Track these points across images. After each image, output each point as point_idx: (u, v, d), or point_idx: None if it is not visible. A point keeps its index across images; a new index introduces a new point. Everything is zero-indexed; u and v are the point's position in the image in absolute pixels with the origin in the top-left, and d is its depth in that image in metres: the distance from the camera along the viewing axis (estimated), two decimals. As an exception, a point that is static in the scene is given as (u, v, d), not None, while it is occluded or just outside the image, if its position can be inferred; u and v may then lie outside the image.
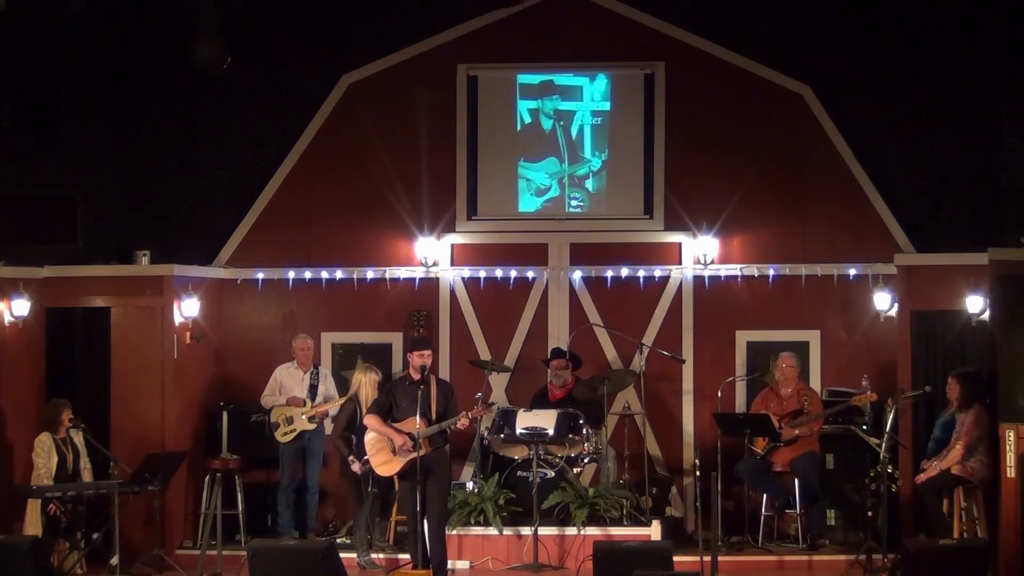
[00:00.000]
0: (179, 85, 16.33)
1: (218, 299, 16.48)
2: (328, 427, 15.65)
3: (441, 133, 16.58)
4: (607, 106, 16.56)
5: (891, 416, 14.45)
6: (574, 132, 16.60)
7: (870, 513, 14.37)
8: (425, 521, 13.56)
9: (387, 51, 16.57)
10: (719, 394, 15.41)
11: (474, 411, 13.72)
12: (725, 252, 16.31)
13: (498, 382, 16.28)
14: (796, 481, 15.04)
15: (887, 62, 16.12)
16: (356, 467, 14.80)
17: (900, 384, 15.01)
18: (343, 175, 16.63)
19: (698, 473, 14.62)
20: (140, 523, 15.12)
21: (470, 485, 15.15)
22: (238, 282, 16.57)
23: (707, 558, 13.52)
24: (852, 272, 16.04)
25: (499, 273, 16.45)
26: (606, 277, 16.35)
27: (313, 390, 15.60)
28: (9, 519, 14.72)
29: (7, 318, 15.19)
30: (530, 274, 16.40)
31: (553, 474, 15.01)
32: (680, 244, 16.37)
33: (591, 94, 16.59)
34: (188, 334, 15.87)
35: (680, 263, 16.35)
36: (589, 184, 16.59)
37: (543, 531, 14.67)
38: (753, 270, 16.24)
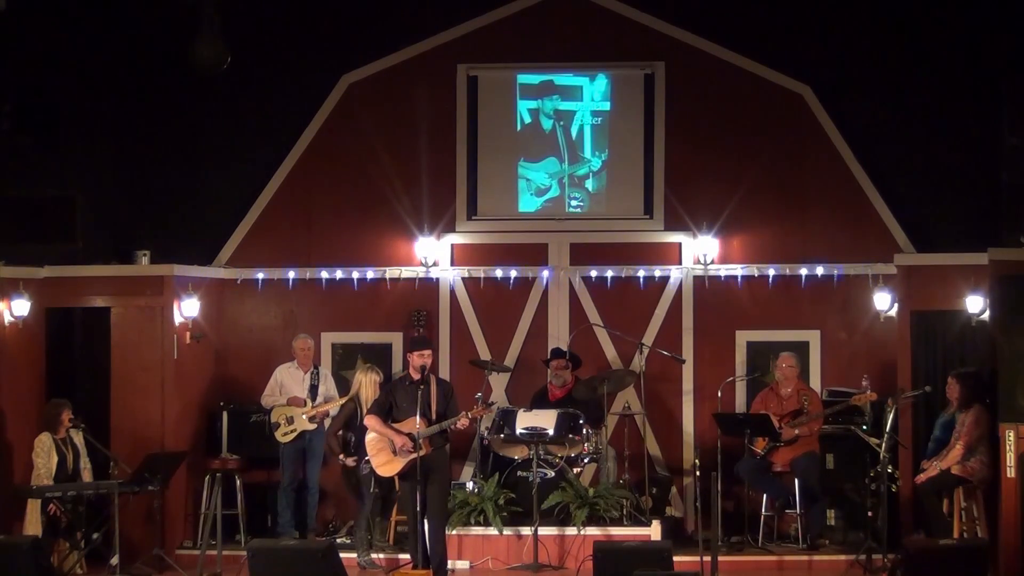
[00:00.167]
0: (179, 85, 16.33)
1: (218, 299, 16.48)
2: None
3: (441, 133, 16.58)
4: (607, 106, 16.57)
5: (891, 416, 14.46)
6: (574, 132, 16.60)
7: (870, 513, 14.38)
8: (425, 521, 13.56)
9: (387, 51, 16.57)
10: (719, 394, 15.41)
11: (474, 411, 13.72)
12: (725, 252, 16.31)
13: (498, 382, 16.27)
14: (796, 481, 15.04)
15: (887, 62, 16.12)
16: (350, 462, 14.84)
17: (900, 384, 15.01)
18: (343, 175, 16.63)
19: (698, 473, 14.62)
20: (140, 523, 15.13)
21: (470, 485, 15.15)
22: (238, 282, 16.57)
23: (707, 558, 13.52)
24: (852, 272, 16.04)
25: (499, 273, 16.45)
26: (606, 277, 16.35)
27: (313, 390, 15.60)
28: (9, 519, 14.72)
29: (7, 318, 15.19)
30: (530, 274, 16.40)
31: (553, 474, 15.01)
32: (680, 244, 16.37)
33: (591, 94, 16.59)
34: (188, 334, 15.87)
35: (680, 263, 16.35)
36: (589, 184, 16.59)
37: (543, 531, 14.67)
38: (753, 270, 16.24)
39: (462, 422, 13.56)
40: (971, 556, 12.44)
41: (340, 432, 15.20)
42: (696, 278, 16.31)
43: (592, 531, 14.66)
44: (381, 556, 14.89)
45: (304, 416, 15.42)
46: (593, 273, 16.36)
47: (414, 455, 13.42)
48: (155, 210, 16.70)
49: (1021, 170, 15.25)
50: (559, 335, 16.29)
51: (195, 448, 15.82)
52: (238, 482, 15.61)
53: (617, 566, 12.21)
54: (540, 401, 15.75)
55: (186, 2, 14.86)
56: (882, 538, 14.11)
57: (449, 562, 13.99)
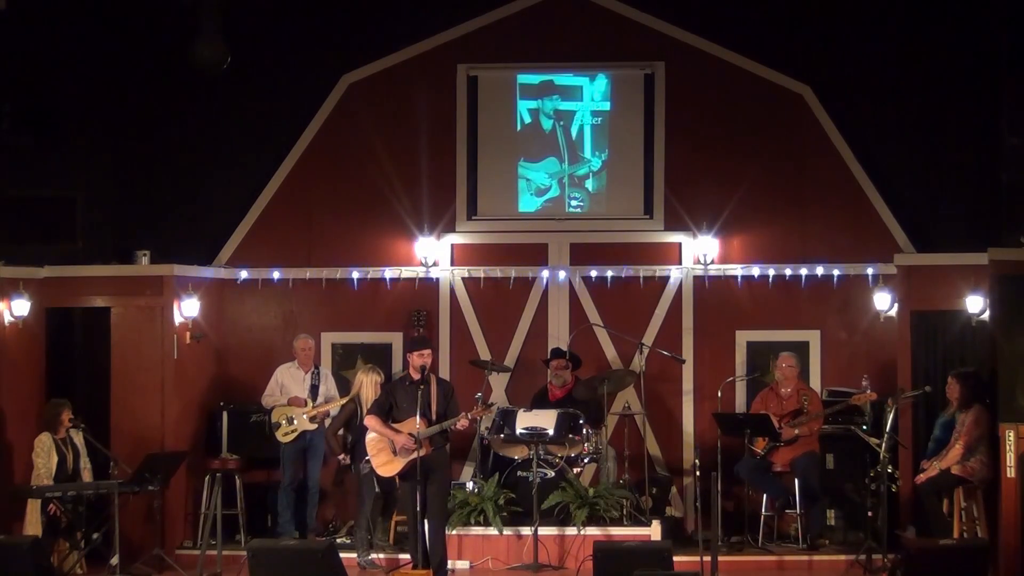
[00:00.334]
0: (179, 85, 16.33)
1: (218, 299, 16.48)
2: (329, 427, 15.71)
3: (441, 133, 16.58)
4: (607, 106, 16.57)
5: (891, 416, 14.46)
6: (574, 132, 16.60)
7: (870, 513, 14.37)
8: (425, 521, 13.56)
9: (387, 51, 16.57)
10: (719, 394, 15.41)
11: (474, 411, 13.72)
12: (725, 252, 16.31)
13: (498, 382, 16.28)
14: (796, 481, 15.04)
15: (887, 62, 16.12)
16: (345, 459, 14.87)
17: (900, 384, 15.00)
18: (343, 175, 16.63)
19: (698, 473, 14.61)
20: (140, 523, 15.13)
21: (470, 485, 15.15)
22: (238, 282, 16.57)
23: (707, 558, 13.52)
24: (852, 272, 16.04)
25: (499, 273, 16.45)
26: (606, 277, 16.35)
27: (314, 390, 15.60)
28: (9, 519, 14.71)
29: (7, 318, 15.19)
30: (530, 274, 16.40)
31: (553, 474, 15.01)
32: (680, 244, 16.37)
33: (591, 94, 16.59)
34: (188, 334, 15.86)
35: (680, 263, 16.35)
36: (589, 184, 16.59)
37: (543, 531, 14.67)
38: (753, 270, 16.24)
39: (462, 423, 13.56)
40: (971, 556, 12.44)
41: (340, 432, 15.21)
42: (696, 278, 16.31)
43: (592, 531, 14.66)
44: (381, 556, 14.90)
45: (305, 416, 15.42)
46: (593, 273, 16.36)
47: (414, 455, 13.42)
48: (155, 210, 16.70)
49: (1021, 170, 15.25)
50: (559, 335, 16.29)
51: (195, 448, 15.81)
52: (238, 482, 15.60)
53: (617, 566, 12.21)
54: (540, 401, 15.75)
55: (186, 2, 14.86)
56: (882, 538, 14.11)
57: (449, 562, 14.00)
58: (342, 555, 12.83)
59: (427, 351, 13.72)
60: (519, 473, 15.06)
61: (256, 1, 16.21)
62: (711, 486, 13.40)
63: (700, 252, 16.24)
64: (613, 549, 12.83)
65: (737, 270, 16.25)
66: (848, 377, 15.57)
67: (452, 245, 16.53)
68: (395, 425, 13.58)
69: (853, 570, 14.31)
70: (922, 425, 15.14)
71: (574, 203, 16.60)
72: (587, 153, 16.58)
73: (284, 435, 15.41)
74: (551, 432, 14.99)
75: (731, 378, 15.86)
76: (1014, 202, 15.25)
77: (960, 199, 16.01)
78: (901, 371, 15.22)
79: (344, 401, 15.31)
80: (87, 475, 14.72)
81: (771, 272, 16.19)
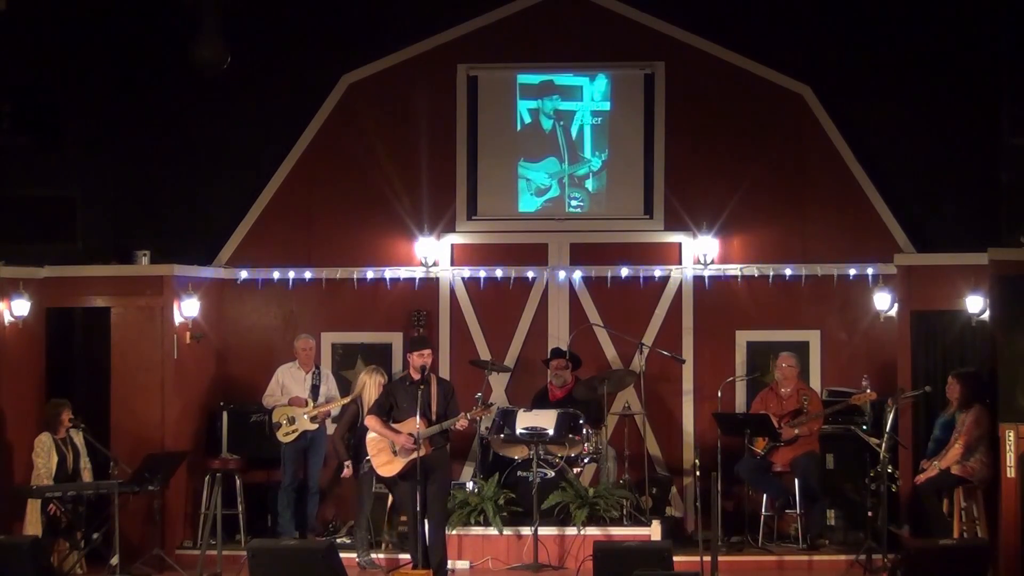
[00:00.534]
0: (179, 85, 16.33)
1: (218, 299, 16.48)
2: (330, 427, 15.67)
3: (441, 133, 16.58)
4: (607, 106, 16.57)
5: (891, 416, 14.45)
6: (574, 132, 16.60)
7: (870, 513, 14.37)
8: (425, 521, 13.56)
9: (387, 51, 16.57)
10: (719, 394, 15.41)
11: (473, 412, 13.71)
12: (725, 252, 16.31)
13: (498, 382, 16.28)
14: (796, 481, 15.04)
15: (887, 62, 16.12)
16: (347, 472, 14.83)
17: (900, 384, 15.00)
18: (343, 175, 16.63)
19: (698, 473, 14.60)
20: (140, 523, 15.12)
21: (470, 485, 15.15)
22: (238, 282, 16.57)
23: (707, 558, 13.52)
24: (852, 272, 16.04)
25: (499, 273, 16.45)
26: (606, 277, 16.35)
27: (315, 390, 15.60)
28: (9, 519, 14.71)
29: (7, 318, 15.19)
30: (530, 274, 16.40)
31: (553, 474, 15.01)
32: (680, 244, 16.37)
33: (591, 94, 16.59)
34: (188, 334, 15.87)
35: (680, 263, 16.35)
36: (589, 184, 16.59)
37: (543, 531, 14.68)
38: (753, 270, 16.24)
39: (461, 423, 13.55)
40: (971, 556, 12.44)
41: (345, 435, 15.14)
42: (696, 278, 16.31)
43: (592, 531, 14.67)
44: (381, 556, 14.90)
45: (306, 416, 15.42)
46: (593, 273, 16.36)
47: (414, 455, 13.42)
48: (155, 210, 16.71)
49: (1021, 170, 15.25)
50: (559, 335, 16.29)
51: (195, 448, 15.81)
52: (238, 482, 15.60)
53: (617, 566, 12.21)
54: (540, 401, 15.75)
55: (186, 2, 14.86)
56: (882, 538, 14.11)
57: (449, 562, 14.00)
58: (342, 555, 12.84)
59: (427, 351, 13.72)
60: (519, 473, 15.06)
61: (256, 1, 16.20)
62: (711, 486, 13.40)
63: (700, 252, 16.24)
64: (613, 549, 12.83)
65: (737, 270, 16.25)
66: (848, 377, 15.57)
67: (452, 245, 16.53)
68: (395, 425, 13.58)
69: (853, 570, 14.31)
70: (922, 425, 15.14)
71: (574, 203, 16.60)
72: (587, 153, 16.58)
73: (285, 435, 15.41)
74: (551, 432, 14.99)
75: (731, 378, 15.85)
76: (1014, 202, 15.25)
77: (960, 199, 16.01)
78: (901, 371, 15.22)
79: (345, 401, 15.31)
80: (87, 475, 14.73)
81: (771, 272, 16.19)
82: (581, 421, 15.18)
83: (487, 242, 16.54)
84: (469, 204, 16.59)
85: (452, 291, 16.50)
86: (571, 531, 14.75)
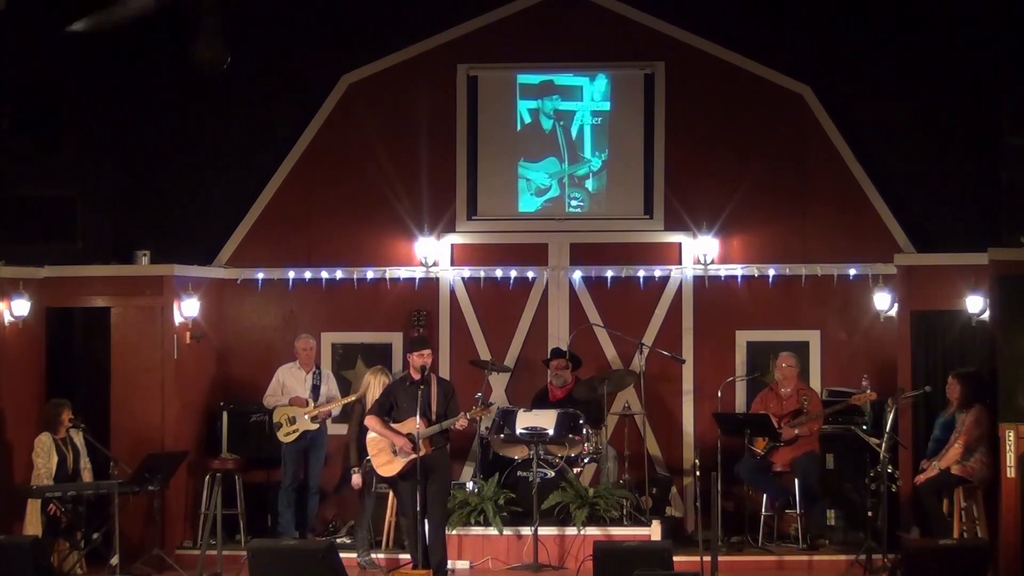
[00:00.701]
0: (179, 85, 16.34)
1: (218, 299, 16.48)
2: (331, 427, 15.68)
3: (441, 133, 16.58)
4: (607, 106, 16.57)
5: (891, 416, 14.45)
6: (574, 132, 16.60)
7: (870, 513, 14.37)
8: (425, 521, 13.56)
9: (387, 51, 16.57)
10: (719, 394, 15.41)
11: (472, 412, 13.71)
12: (725, 252, 16.31)
13: (498, 382, 16.28)
14: (796, 481, 15.04)
15: (887, 62, 16.12)
16: (356, 480, 14.73)
17: (900, 384, 15.00)
18: (343, 175, 16.63)
19: (698, 473, 14.60)
20: (140, 523, 15.12)
21: (470, 485, 15.15)
22: (238, 282, 16.57)
23: (707, 558, 13.52)
24: (852, 272, 16.04)
25: (499, 273, 16.45)
26: (606, 277, 16.35)
27: (315, 390, 15.60)
28: (9, 519, 14.71)
29: (7, 318, 15.18)
30: (530, 274, 16.40)
31: (553, 474, 15.01)
32: (680, 244, 16.37)
33: (591, 94, 16.59)
34: (188, 334, 15.87)
35: (680, 263, 16.35)
36: (589, 184, 16.59)
37: (543, 531, 14.67)
38: (753, 270, 16.24)
39: (460, 423, 13.55)
40: (971, 556, 12.44)
41: (359, 437, 15.03)
42: (696, 278, 16.31)
43: (592, 531, 14.67)
44: (381, 556, 14.90)
45: (306, 416, 15.42)
46: (593, 273, 16.36)
47: (414, 455, 13.42)
48: (155, 210, 16.71)
49: (1021, 170, 15.25)
50: (559, 335, 16.29)
51: (195, 448, 15.81)
52: (238, 482, 15.60)
53: (617, 566, 12.21)
54: (541, 401, 15.75)
55: (186, 2, 14.86)
56: (882, 538, 14.10)
57: (449, 562, 14.00)
58: (342, 555, 12.83)
59: (427, 351, 13.72)
60: (519, 473, 15.06)
61: (256, 1, 16.20)
62: (711, 486, 13.40)
63: (700, 252, 16.24)
64: (613, 549, 12.83)
65: (737, 270, 16.25)
66: (848, 377, 15.57)
67: (452, 245, 16.53)
68: (395, 425, 13.58)
69: (853, 570, 14.30)
70: (922, 425, 15.14)
71: (574, 203, 16.61)
72: (587, 153, 16.58)
73: (286, 435, 15.41)
74: (551, 432, 14.99)
75: (731, 378, 15.85)
76: (1014, 202, 15.25)
77: (960, 199, 16.01)
78: (901, 371, 15.22)
79: (346, 401, 15.31)
80: (87, 475, 14.72)
81: (771, 272, 16.19)
82: (581, 421, 15.18)
83: (487, 242, 16.54)
84: (469, 204, 16.59)
85: (452, 291, 16.50)
86: (571, 531, 14.75)
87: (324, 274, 16.49)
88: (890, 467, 14.40)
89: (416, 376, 13.60)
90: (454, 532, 14.64)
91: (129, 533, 14.83)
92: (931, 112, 16.03)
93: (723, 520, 14.31)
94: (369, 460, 13.94)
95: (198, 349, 16.03)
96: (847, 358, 15.99)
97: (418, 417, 13.39)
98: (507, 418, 15.22)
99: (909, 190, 16.18)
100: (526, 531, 14.72)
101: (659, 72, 16.42)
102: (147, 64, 16.52)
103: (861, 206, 16.09)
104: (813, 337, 16.16)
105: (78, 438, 14.70)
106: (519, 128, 16.63)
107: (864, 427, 14.93)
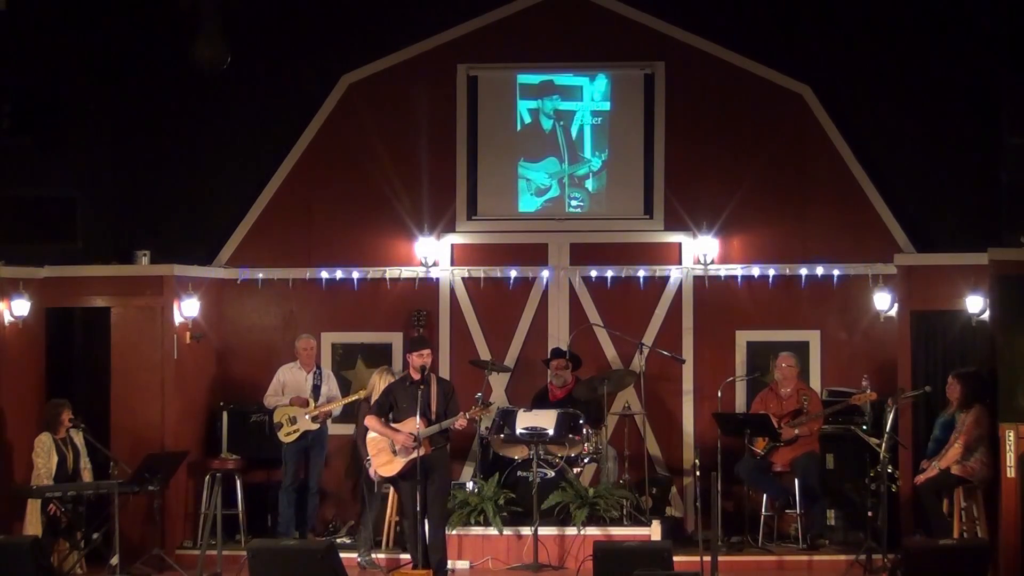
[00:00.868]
0: (179, 85, 16.33)
1: (218, 299, 16.48)
2: (331, 427, 15.69)
3: (441, 133, 16.58)
4: (607, 106, 16.57)
5: (891, 416, 14.45)
6: (574, 132, 16.60)
7: (870, 513, 14.37)
8: (425, 521, 13.56)
9: (387, 51, 16.57)
10: (719, 394, 15.41)
11: (473, 412, 13.71)
12: (725, 252, 16.31)
13: (498, 382, 16.28)
14: (796, 481, 15.04)
15: (887, 62, 16.12)
16: (373, 471, 14.72)
17: (900, 384, 15.00)
18: (343, 175, 16.63)
19: (698, 473, 14.60)
20: (140, 523, 15.12)
21: (470, 485, 15.15)
22: (238, 282, 16.57)
23: (707, 558, 13.52)
24: (852, 272, 16.04)
25: (499, 273, 16.45)
26: (606, 277, 16.35)
27: (316, 390, 15.61)
28: (9, 519, 14.71)
29: (7, 318, 15.19)
30: (530, 274, 16.40)
31: (553, 474, 15.01)
32: (680, 244, 16.37)
33: (591, 94, 16.59)
34: (188, 334, 15.87)
35: (680, 263, 16.35)
36: (589, 184, 16.59)
37: (543, 531, 14.67)
38: (753, 270, 16.24)
39: (460, 423, 13.55)
40: (971, 556, 12.45)
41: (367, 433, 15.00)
42: (696, 278, 16.31)
43: (592, 531, 14.67)
44: (382, 556, 14.89)
45: (307, 416, 15.43)
46: (593, 273, 16.36)
47: (414, 455, 13.42)
48: (155, 210, 16.70)
49: (1021, 170, 15.25)
50: (559, 335, 16.29)
51: (195, 448, 15.81)
52: (238, 482, 15.61)
53: (617, 566, 12.21)
54: (541, 401, 15.75)
55: (186, 2, 14.86)
56: (882, 538, 14.10)
57: (449, 562, 14.00)
58: (342, 555, 12.83)
59: (427, 351, 13.72)
60: (519, 473, 15.07)
61: (256, 1, 16.20)
62: (711, 486, 13.40)
63: (700, 252, 16.24)
64: (613, 549, 12.83)
65: (737, 270, 16.25)
66: (848, 377, 15.57)
67: (452, 245, 16.53)
68: (395, 425, 13.58)
69: (853, 570, 14.31)
70: (922, 425, 15.14)
71: (574, 203, 16.60)
72: (587, 153, 16.58)
73: (286, 435, 15.42)
74: (551, 432, 14.99)
75: (731, 378, 15.85)
76: (1014, 202, 15.24)
77: (960, 199, 16.01)
78: (901, 371, 15.22)
79: (351, 399, 15.32)
80: (87, 475, 14.73)
81: (771, 272, 16.19)
82: (581, 421, 15.18)
83: (487, 242, 16.54)
84: (469, 204, 16.59)
85: (452, 291, 16.50)
86: (571, 531, 14.75)
87: (324, 274, 16.49)
88: (890, 467, 14.41)
89: (416, 376, 13.60)
90: (454, 532, 14.64)
91: (129, 533, 14.83)
92: (931, 112, 16.02)
93: (723, 520, 14.31)
94: (369, 460, 13.93)
95: (198, 349, 16.03)
96: (847, 358, 15.99)
97: (418, 417, 13.39)
98: (507, 418, 15.22)
99: (909, 190, 16.18)
100: (526, 531, 14.72)
101: (659, 72, 16.42)
102: (147, 64, 16.51)
103: (861, 206, 16.09)
104: (813, 337, 16.16)
105: (78, 438, 14.70)
106: (519, 128, 16.63)
107: (864, 427, 14.93)
